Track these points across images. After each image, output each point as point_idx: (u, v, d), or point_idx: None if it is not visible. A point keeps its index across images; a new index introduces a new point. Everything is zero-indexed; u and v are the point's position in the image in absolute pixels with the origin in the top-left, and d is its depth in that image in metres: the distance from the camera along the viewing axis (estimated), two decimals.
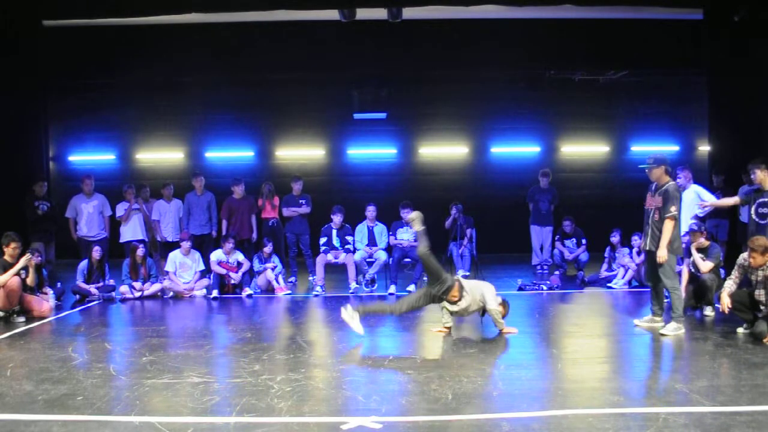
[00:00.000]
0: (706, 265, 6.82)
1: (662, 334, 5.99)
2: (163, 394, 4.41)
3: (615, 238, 9.31)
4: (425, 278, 9.34)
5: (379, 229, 9.18)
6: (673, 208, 6.00)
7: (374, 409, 4.04)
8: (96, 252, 8.70)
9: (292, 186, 9.73)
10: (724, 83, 10.07)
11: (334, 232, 9.07)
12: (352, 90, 11.90)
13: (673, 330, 6.00)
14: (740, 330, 6.00)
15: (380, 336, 6.51)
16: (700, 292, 6.91)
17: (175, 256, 8.87)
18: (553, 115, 13.32)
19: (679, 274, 7.34)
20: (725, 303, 5.86)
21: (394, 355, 5.58)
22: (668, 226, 6.01)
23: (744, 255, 6.02)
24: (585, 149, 13.58)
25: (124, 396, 4.41)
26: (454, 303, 6.15)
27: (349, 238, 9.05)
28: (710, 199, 7.72)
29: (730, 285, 6.00)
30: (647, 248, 6.23)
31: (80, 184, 9.61)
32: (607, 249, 9.38)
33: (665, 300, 6.49)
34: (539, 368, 5.09)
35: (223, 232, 9.35)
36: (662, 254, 6.03)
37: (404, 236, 9.12)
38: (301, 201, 9.61)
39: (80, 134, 13.28)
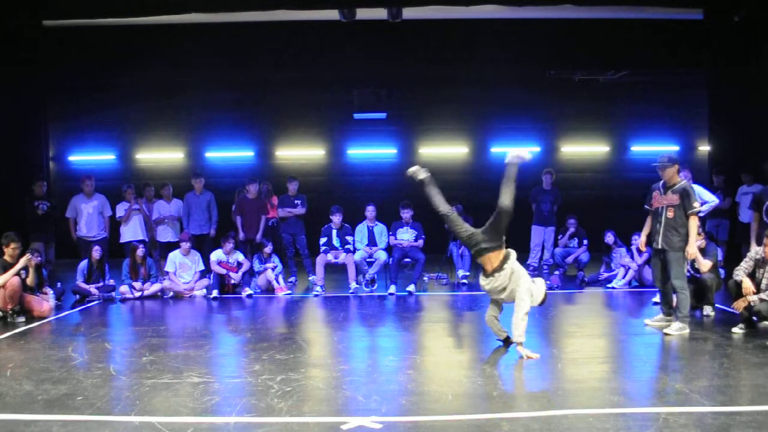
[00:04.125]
0: (705, 264, 6.81)
1: (666, 334, 6.00)
2: (163, 394, 4.41)
3: (609, 239, 9.32)
4: (426, 278, 9.40)
5: (379, 229, 9.17)
6: (696, 204, 6.06)
7: (374, 409, 4.04)
8: (96, 252, 8.70)
9: (287, 186, 9.73)
10: (724, 83, 10.07)
11: (334, 232, 9.07)
12: (352, 90, 11.90)
13: (678, 330, 6.01)
14: (735, 330, 6.01)
15: (380, 336, 6.52)
16: (700, 292, 6.91)
17: (174, 256, 8.87)
18: (553, 115, 13.31)
19: None
20: (747, 283, 5.94)
21: (394, 355, 5.58)
22: (693, 222, 6.05)
23: (758, 248, 6.11)
24: (585, 149, 13.57)
25: (124, 396, 4.41)
26: (487, 275, 5.52)
27: (349, 238, 9.05)
28: (710, 199, 7.73)
29: (743, 269, 6.09)
30: (660, 247, 6.20)
31: (81, 184, 9.60)
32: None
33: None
34: (539, 368, 5.08)
35: (239, 230, 9.36)
36: (693, 251, 6.07)
37: (404, 236, 9.11)
38: (296, 201, 9.60)
39: (80, 134, 13.28)
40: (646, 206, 6.48)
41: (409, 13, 9.87)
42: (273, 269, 8.96)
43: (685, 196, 6.07)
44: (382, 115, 12.32)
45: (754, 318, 6.01)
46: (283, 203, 9.63)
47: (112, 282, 8.73)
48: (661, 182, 6.29)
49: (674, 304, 6.35)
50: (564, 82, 12.56)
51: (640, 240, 6.72)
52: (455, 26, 10.86)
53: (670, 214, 6.11)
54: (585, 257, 9.93)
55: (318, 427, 3.75)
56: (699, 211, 6.11)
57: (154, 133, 13.42)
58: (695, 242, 6.09)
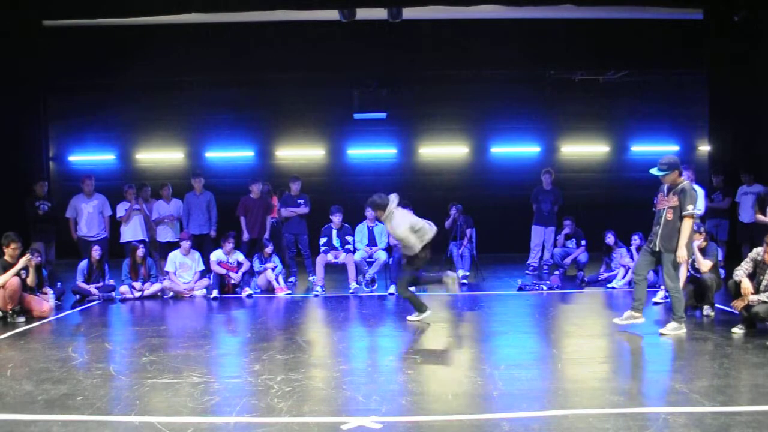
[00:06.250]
0: (705, 264, 6.82)
1: (661, 334, 6.00)
2: (163, 394, 4.41)
3: (610, 240, 9.31)
4: None
5: (379, 229, 9.16)
6: (690, 207, 5.99)
7: (374, 409, 4.04)
8: (96, 252, 8.70)
9: (290, 186, 9.72)
10: (724, 83, 10.06)
11: (334, 232, 9.07)
12: (352, 90, 11.90)
13: (673, 330, 6.00)
14: (735, 330, 6.01)
15: (380, 336, 6.52)
16: (700, 292, 6.90)
17: (175, 256, 8.86)
18: (553, 115, 13.32)
19: None
20: (745, 284, 5.91)
21: (394, 355, 5.58)
22: (686, 224, 5.98)
23: (758, 249, 6.09)
24: (585, 149, 13.58)
25: (124, 396, 4.41)
26: None
27: (349, 238, 9.05)
28: (699, 207, 7.59)
29: (743, 270, 6.06)
30: (657, 249, 6.16)
31: (80, 184, 9.60)
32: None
33: (669, 298, 6.46)
34: (539, 368, 5.09)
35: (243, 230, 9.35)
36: (682, 254, 5.97)
37: None
38: (299, 201, 9.59)
39: (80, 134, 13.29)
40: (653, 208, 6.50)
41: (409, 13, 9.87)
42: (273, 269, 8.96)
43: (682, 197, 6.05)
44: (382, 115, 12.33)
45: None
46: (286, 203, 9.62)
47: (112, 282, 8.72)
48: (665, 185, 6.30)
49: (642, 298, 6.30)
50: (564, 82, 12.58)
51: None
52: (455, 26, 10.86)
53: (669, 216, 6.10)
54: (584, 257, 9.94)
55: (318, 427, 3.75)
56: (692, 214, 6.06)
57: (154, 133, 13.43)
58: (685, 245, 5.98)
